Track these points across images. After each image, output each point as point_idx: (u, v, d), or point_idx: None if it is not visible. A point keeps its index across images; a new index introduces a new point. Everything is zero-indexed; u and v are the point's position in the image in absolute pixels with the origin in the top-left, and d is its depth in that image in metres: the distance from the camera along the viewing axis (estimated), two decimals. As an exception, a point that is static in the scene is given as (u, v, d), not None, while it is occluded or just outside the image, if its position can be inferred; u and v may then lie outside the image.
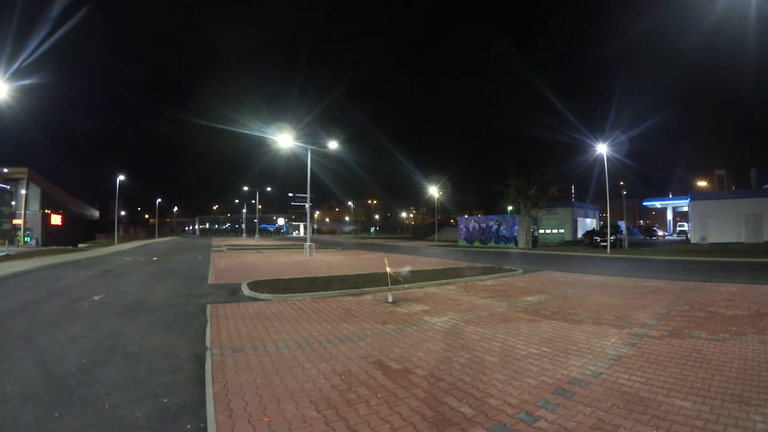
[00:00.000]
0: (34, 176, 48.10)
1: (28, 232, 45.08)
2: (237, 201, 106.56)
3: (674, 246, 36.66)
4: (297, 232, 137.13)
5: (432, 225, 75.93)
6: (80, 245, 41.55)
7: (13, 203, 45.47)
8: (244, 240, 66.46)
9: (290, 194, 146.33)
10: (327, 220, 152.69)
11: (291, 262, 21.52)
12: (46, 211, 48.55)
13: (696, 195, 47.49)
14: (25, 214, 44.94)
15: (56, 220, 49.40)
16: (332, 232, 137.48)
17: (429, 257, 26.20)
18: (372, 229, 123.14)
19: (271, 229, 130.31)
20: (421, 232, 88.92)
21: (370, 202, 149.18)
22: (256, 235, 69.27)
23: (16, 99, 20.62)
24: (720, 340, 6.21)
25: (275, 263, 20.98)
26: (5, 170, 44.25)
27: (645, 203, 79.94)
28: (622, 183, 50.12)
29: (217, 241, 61.13)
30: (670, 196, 66.29)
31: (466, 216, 55.44)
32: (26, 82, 20.97)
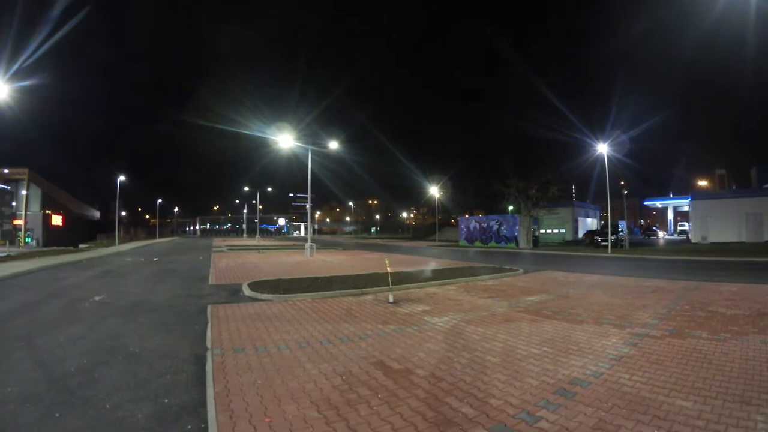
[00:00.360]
0: (35, 177, 48.08)
1: (28, 233, 45.06)
2: (237, 201, 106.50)
3: (675, 245, 36.64)
4: (298, 232, 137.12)
5: (433, 225, 75.92)
6: (81, 246, 41.53)
7: (14, 204, 45.43)
8: (244, 240, 66.46)
9: (291, 194, 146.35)
10: (328, 220, 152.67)
11: (292, 263, 21.52)
12: (47, 211, 48.53)
13: (697, 194, 47.45)
14: (25, 214, 44.90)
15: (57, 220, 49.36)
16: (333, 233, 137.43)
17: (430, 257, 26.18)
18: (373, 230, 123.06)
19: (272, 230, 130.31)
20: (421, 232, 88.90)
21: (370, 202, 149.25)
22: (257, 236, 69.28)
23: (16, 100, 20.64)
24: (721, 339, 6.20)
25: (276, 263, 20.97)
26: (6, 171, 44.21)
27: (646, 203, 79.81)
28: (622, 183, 50.08)
29: (217, 241, 61.13)
30: (671, 195, 66.17)
31: (466, 216, 55.37)
32: (26, 83, 20.99)
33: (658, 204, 74.21)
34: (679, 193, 63.38)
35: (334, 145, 28.12)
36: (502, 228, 42.30)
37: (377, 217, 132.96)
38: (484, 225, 44.50)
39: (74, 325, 7.62)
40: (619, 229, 36.85)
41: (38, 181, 48.91)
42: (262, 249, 35.72)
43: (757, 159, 57.23)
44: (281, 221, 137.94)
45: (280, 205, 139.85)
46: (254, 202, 75.33)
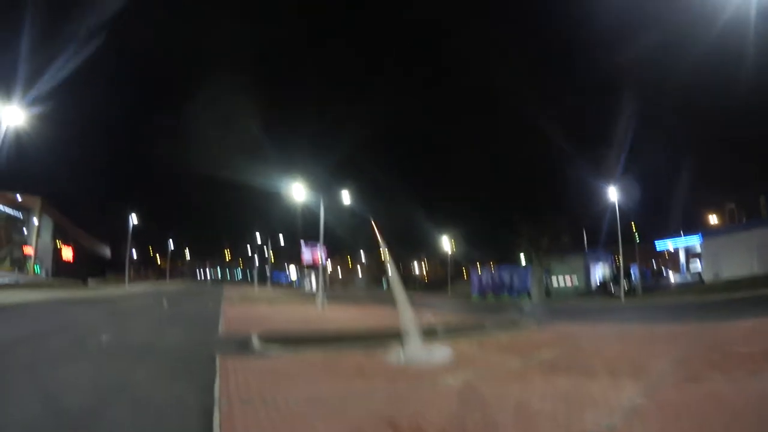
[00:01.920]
0: (47, 207, 48.18)
1: (38, 263, 44.50)
2: (249, 248, 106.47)
3: (688, 287, 36.15)
4: (308, 281, 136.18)
5: (444, 278, 75.21)
6: (90, 281, 41.21)
7: (25, 232, 44.96)
8: (255, 289, 66.18)
9: (302, 242, 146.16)
10: (339, 270, 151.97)
11: (302, 315, 21.37)
12: (58, 242, 48.29)
13: (707, 232, 47.32)
14: (36, 243, 44.35)
15: (67, 252, 49.23)
16: (344, 285, 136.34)
17: (442, 312, 25.85)
18: (384, 282, 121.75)
19: (283, 281, 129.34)
20: (433, 285, 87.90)
21: (381, 253, 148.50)
22: (268, 285, 69.04)
23: (32, 126, 21.18)
24: (737, 380, 6.09)
25: (286, 315, 20.86)
26: (18, 198, 44.17)
27: (657, 244, 78.33)
28: (633, 225, 49.70)
29: (228, 289, 60.87)
30: (682, 235, 65.33)
31: (478, 268, 55.10)
32: (42, 110, 21.61)
33: (670, 245, 73.00)
34: (690, 233, 62.63)
35: (346, 196, 28.42)
36: (514, 280, 41.97)
37: (389, 268, 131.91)
38: (496, 277, 44.25)
39: (80, 362, 7.66)
40: (632, 276, 36.47)
41: (50, 211, 49.08)
42: (273, 300, 35.58)
43: (766, 186, 55.97)
44: (292, 269, 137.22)
45: (291, 253, 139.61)
46: (265, 248, 75.70)
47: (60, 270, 45.51)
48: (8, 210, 43.52)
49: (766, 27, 19.25)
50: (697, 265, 55.24)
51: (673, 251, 76.01)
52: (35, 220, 45.70)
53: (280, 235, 78.80)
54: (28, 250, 43.82)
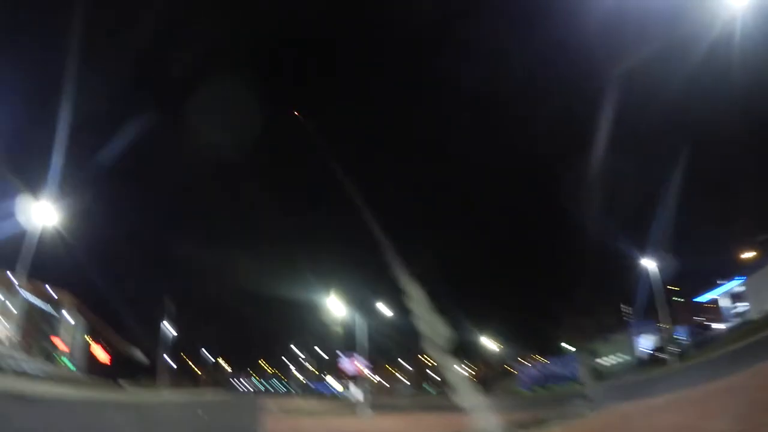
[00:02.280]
0: (80, 305, 47.97)
1: (69, 358, 43.30)
2: (288, 359, 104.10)
3: (735, 332, 34.27)
4: (351, 391, 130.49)
5: (489, 376, 72.19)
6: (123, 383, 40.29)
7: (56, 325, 43.74)
8: (296, 401, 63.91)
9: (340, 353, 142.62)
10: (378, 378, 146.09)
11: (348, 427, 20.76)
12: (89, 340, 47.91)
13: (746, 270, 45.47)
14: (70, 338, 43.81)
15: (99, 351, 48.72)
16: (388, 392, 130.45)
17: (496, 410, 24.85)
18: (427, 387, 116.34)
19: (325, 391, 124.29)
20: (478, 383, 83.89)
21: (422, 357, 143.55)
22: (309, 396, 66.66)
23: (66, 227, 22.51)
24: None
25: (332, 428, 20.30)
26: (50, 291, 43.52)
27: (697, 300, 74.11)
28: (671, 287, 47.74)
29: (268, 401, 58.66)
30: (719, 283, 62.12)
31: (523, 362, 53.21)
32: (74, 210, 23.12)
33: (711, 296, 69.16)
34: (729, 277, 59.74)
35: (384, 309, 28.73)
36: (562, 369, 40.43)
37: (430, 371, 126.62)
38: (543, 369, 42.77)
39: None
40: (677, 339, 35.11)
41: (82, 308, 48.64)
42: (316, 411, 34.56)
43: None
44: (331, 380, 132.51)
45: (331, 363, 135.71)
46: (303, 359, 74.59)
47: (91, 368, 44.66)
48: (39, 302, 42.17)
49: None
50: (737, 308, 52.34)
51: (716, 300, 71.68)
52: (66, 315, 45.07)
53: (320, 345, 77.48)
54: (59, 344, 42.82)
